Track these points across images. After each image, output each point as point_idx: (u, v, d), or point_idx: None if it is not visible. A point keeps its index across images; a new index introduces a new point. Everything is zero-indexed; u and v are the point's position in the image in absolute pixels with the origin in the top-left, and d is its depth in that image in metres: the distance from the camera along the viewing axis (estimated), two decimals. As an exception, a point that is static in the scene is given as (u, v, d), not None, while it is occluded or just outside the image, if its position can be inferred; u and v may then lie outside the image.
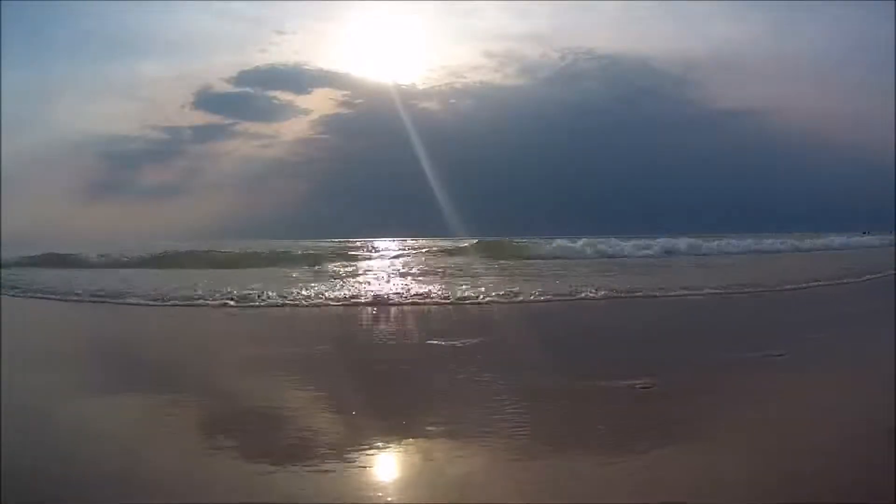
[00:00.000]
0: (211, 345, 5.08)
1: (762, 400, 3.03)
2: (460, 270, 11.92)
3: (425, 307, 6.72)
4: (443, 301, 7.02)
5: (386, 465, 2.24)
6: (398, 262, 15.48)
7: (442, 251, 19.27)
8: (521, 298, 7.06)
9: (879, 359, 3.90)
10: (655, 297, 7.35)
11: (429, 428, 2.59)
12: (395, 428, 2.60)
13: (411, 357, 4.17)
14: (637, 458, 2.25)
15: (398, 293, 7.59)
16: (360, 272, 12.09)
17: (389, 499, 1.94)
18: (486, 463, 2.23)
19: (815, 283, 8.71)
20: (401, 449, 2.39)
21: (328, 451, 2.31)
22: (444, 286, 8.36)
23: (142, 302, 7.13)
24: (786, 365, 3.71)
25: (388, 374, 3.70)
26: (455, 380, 3.46)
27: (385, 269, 13.31)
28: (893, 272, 9.33)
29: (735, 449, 2.36)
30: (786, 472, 2.11)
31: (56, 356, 4.50)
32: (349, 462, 2.21)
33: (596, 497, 1.94)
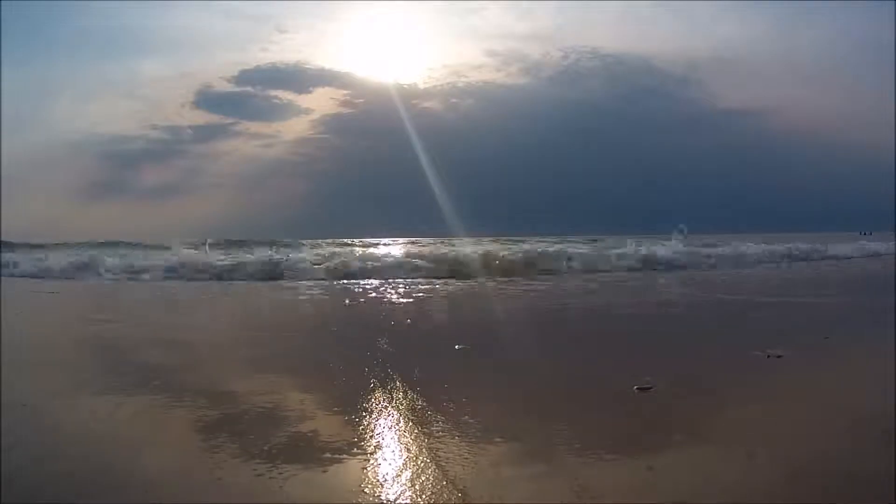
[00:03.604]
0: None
1: (761, 400, 3.03)
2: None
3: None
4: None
5: (379, 463, 2.25)
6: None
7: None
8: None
9: (879, 358, 3.90)
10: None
11: (420, 426, 2.60)
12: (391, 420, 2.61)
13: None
14: (636, 459, 2.26)
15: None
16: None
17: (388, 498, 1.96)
18: (483, 462, 2.23)
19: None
20: (393, 446, 2.40)
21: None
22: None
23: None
24: (785, 365, 3.71)
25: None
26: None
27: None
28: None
29: (734, 449, 2.37)
30: (786, 472, 2.12)
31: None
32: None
33: (595, 497, 1.95)
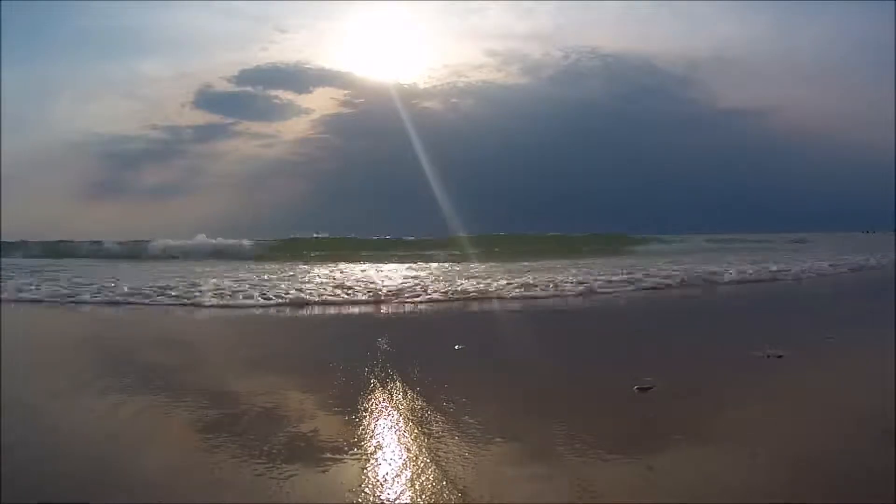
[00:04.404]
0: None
1: (761, 400, 3.03)
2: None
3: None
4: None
5: (381, 463, 2.25)
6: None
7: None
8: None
9: (879, 358, 3.90)
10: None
11: (426, 427, 2.60)
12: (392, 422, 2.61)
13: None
14: (636, 459, 2.26)
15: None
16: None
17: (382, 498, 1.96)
18: (483, 463, 2.23)
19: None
20: (395, 447, 2.40)
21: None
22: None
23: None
24: (785, 366, 3.71)
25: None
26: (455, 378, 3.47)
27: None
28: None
29: (734, 449, 2.36)
30: (786, 472, 2.12)
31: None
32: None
33: (595, 497, 1.95)
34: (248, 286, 8.29)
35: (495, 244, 21.82)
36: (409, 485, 2.07)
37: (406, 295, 7.56)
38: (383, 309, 6.75)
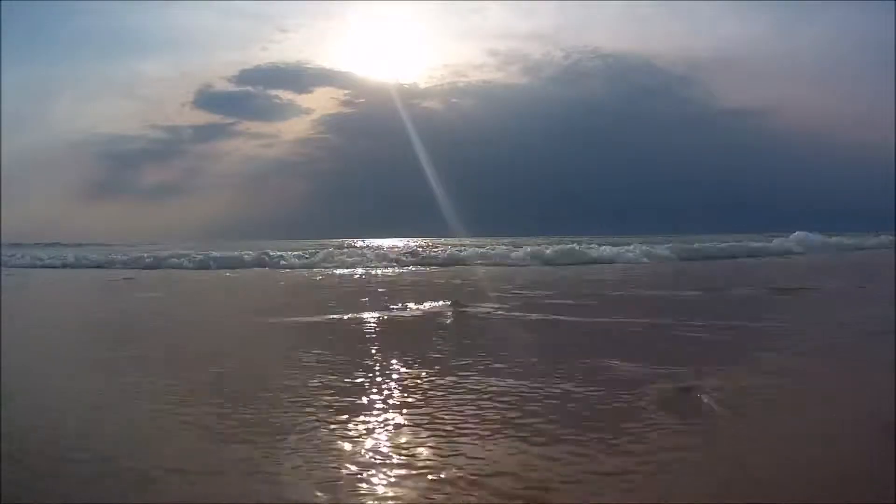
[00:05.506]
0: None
1: (761, 399, 3.03)
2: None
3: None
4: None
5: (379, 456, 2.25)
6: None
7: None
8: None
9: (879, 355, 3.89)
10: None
11: (418, 423, 2.61)
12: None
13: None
14: (635, 458, 2.26)
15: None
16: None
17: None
18: (483, 462, 2.24)
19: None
20: (389, 440, 2.41)
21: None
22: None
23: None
24: (783, 363, 3.71)
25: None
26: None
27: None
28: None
29: (734, 449, 2.37)
30: (785, 471, 2.12)
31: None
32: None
33: (596, 496, 1.95)
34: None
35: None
36: (410, 484, 2.07)
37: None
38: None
